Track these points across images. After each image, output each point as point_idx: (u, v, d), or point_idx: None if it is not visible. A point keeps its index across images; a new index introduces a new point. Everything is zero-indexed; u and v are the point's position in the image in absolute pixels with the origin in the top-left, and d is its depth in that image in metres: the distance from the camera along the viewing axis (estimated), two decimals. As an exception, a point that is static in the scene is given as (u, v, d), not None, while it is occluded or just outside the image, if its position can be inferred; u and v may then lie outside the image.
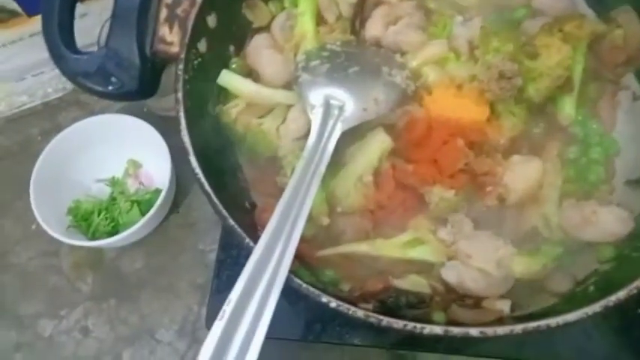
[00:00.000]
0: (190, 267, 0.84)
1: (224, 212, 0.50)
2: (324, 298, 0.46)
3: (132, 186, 0.92)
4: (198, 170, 0.52)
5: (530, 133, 0.64)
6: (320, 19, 0.70)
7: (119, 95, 0.58)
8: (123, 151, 0.90)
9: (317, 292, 0.46)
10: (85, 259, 0.87)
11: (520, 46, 0.64)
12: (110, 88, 0.58)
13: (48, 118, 0.98)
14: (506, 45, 0.63)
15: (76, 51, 0.59)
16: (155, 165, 0.89)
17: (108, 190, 0.90)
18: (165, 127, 0.80)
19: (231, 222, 0.49)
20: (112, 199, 0.89)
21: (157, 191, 0.87)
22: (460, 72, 0.65)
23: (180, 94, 0.55)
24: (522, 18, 0.69)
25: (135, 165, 0.93)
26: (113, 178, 0.91)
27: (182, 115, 0.54)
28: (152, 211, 0.80)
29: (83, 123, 0.86)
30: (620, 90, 0.66)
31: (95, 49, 0.79)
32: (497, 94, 0.62)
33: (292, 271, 0.48)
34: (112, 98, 0.58)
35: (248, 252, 0.47)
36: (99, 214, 0.86)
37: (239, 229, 0.49)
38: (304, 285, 0.47)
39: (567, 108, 0.64)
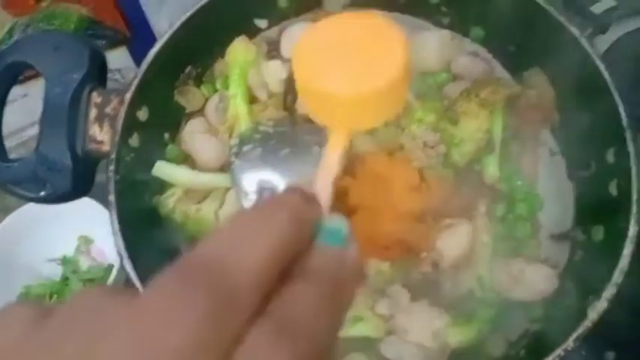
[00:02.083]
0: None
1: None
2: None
3: (84, 263, 0.91)
4: (133, 275, 0.52)
5: (459, 194, 0.67)
6: (253, 98, 0.72)
7: (52, 199, 0.58)
8: (73, 228, 0.90)
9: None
10: (39, 345, 0.85)
11: (443, 113, 0.67)
12: (42, 193, 0.58)
13: (-7, 201, 0.97)
14: (428, 115, 0.66)
15: (6, 159, 0.59)
16: (106, 240, 0.88)
17: (60, 270, 0.90)
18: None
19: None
20: (65, 279, 0.88)
21: (110, 267, 0.87)
22: (389, 141, 0.68)
23: (112, 197, 0.56)
24: (445, 82, 0.73)
25: (86, 241, 0.93)
26: (64, 257, 0.90)
27: (115, 219, 0.55)
28: (103, 292, 0.79)
29: (31, 205, 0.86)
30: (540, 146, 0.70)
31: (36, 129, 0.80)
32: (423, 161, 0.65)
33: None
34: (45, 202, 0.58)
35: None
36: (50, 298, 0.86)
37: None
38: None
39: (491, 168, 0.67)
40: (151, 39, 0.73)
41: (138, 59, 0.93)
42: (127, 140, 0.61)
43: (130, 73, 0.99)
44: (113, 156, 0.58)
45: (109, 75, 0.69)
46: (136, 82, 0.62)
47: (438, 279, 0.62)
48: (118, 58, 1.00)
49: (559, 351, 0.48)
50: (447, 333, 0.55)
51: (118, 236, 0.54)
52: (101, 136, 0.61)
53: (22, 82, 0.96)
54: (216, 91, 0.73)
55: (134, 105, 0.62)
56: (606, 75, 0.60)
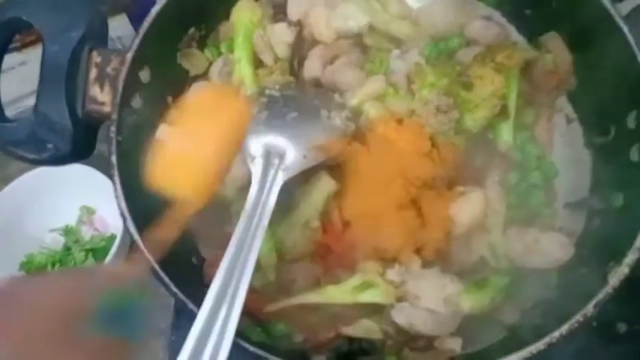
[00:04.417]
0: (152, 311, 0.83)
1: (166, 280, 0.49)
2: (272, 361, 0.46)
3: (87, 233, 0.90)
4: (137, 237, 0.51)
5: (471, 161, 0.65)
6: (258, 62, 0.69)
7: (53, 161, 0.56)
8: (75, 198, 0.89)
9: (265, 354, 0.46)
10: (40, 313, 0.84)
11: (455, 78, 0.65)
12: (43, 154, 0.56)
13: (-5, 170, 0.96)
14: (441, 79, 0.64)
15: (4, 119, 0.57)
16: (109, 210, 0.88)
17: (62, 239, 0.89)
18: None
19: (174, 289, 0.49)
20: (67, 249, 0.88)
21: (113, 237, 0.86)
22: (399, 107, 0.66)
23: (114, 158, 0.54)
24: (457, 47, 0.70)
25: (88, 211, 0.91)
26: (67, 226, 0.90)
27: (117, 179, 0.53)
28: (107, 260, 0.78)
29: (32, 173, 0.85)
30: (555, 113, 0.68)
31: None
32: (435, 127, 0.63)
33: (240, 332, 0.47)
34: (46, 164, 0.56)
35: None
36: (52, 267, 0.85)
37: (182, 296, 0.48)
38: (251, 348, 0.46)
39: (505, 135, 0.65)
40: (152, 5, 0.70)
41: (138, 27, 0.90)
42: (129, 101, 0.59)
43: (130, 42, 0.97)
44: (115, 116, 0.56)
45: (109, 43, 0.67)
46: (137, 41, 0.60)
47: (449, 247, 0.60)
48: (118, 26, 0.97)
49: (578, 317, 0.47)
50: (459, 299, 0.53)
51: (121, 199, 0.52)
52: (102, 96, 0.58)
53: (19, 49, 0.94)
54: (220, 54, 0.70)
55: (136, 65, 0.60)
56: (630, 37, 0.57)
